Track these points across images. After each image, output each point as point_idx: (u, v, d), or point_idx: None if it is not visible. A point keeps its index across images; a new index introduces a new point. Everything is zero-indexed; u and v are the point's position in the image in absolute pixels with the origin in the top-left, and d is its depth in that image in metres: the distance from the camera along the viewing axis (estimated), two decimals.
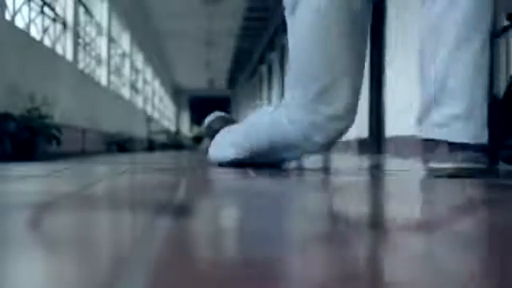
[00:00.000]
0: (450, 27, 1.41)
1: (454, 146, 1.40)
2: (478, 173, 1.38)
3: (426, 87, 1.47)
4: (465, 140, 1.39)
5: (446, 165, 1.38)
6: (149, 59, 14.39)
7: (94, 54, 7.74)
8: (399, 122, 4.32)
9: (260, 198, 0.91)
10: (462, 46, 1.40)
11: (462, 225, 0.60)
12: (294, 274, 0.37)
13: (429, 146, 1.46)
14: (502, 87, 1.94)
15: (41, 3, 5.21)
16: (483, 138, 1.41)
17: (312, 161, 2.52)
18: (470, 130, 1.39)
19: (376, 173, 1.71)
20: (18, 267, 0.40)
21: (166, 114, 20.98)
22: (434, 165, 1.42)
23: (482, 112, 1.41)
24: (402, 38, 4.43)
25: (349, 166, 2.28)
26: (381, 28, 5.20)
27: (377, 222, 0.61)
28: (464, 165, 1.36)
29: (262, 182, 1.23)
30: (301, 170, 1.91)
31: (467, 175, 1.36)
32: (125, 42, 10.76)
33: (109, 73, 8.63)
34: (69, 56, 6.13)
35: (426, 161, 1.48)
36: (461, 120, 1.40)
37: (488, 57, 1.42)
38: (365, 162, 2.81)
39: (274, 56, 12.16)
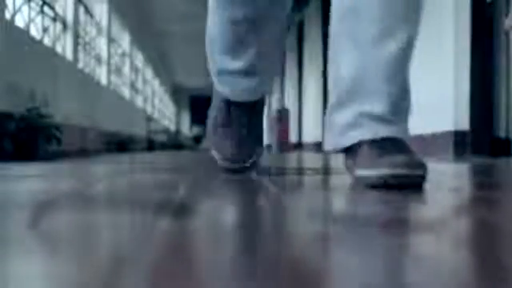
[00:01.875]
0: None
1: (377, 149, 1.16)
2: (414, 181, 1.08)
3: (336, 85, 1.28)
4: (391, 135, 1.19)
5: (371, 172, 1.11)
6: (149, 59, 14.39)
7: (93, 53, 7.74)
8: None
9: (260, 197, 0.91)
10: (382, 44, 1.20)
11: (461, 225, 0.60)
12: (295, 274, 0.38)
13: (348, 153, 1.27)
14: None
15: (41, 3, 5.21)
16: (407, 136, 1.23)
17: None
18: (392, 129, 1.20)
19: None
20: (17, 267, 0.40)
21: (165, 113, 20.98)
22: (359, 172, 1.18)
23: (402, 111, 1.23)
24: None
25: None
26: None
27: (374, 222, 0.61)
28: (396, 171, 1.07)
29: (261, 182, 1.23)
30: (302, 170, 1.91)
31: (400, 184, 1.07)
32: (125, 41, 10.76)
33: (109, 72, 8.63)
34: (69, 55, 6.13)
35: (348, 168, 1.28)
36: (379, 120, 1.21)
37: (410, 55, 1.23)
38: None
39: None
